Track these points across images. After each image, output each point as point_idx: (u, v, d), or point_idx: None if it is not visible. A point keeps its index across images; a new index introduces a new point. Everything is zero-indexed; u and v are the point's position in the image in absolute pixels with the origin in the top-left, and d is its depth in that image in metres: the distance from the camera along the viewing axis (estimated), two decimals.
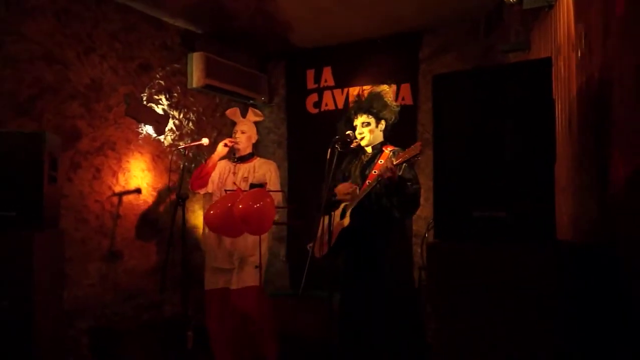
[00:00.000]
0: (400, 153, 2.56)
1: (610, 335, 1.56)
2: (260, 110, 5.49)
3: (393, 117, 2.96)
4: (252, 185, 3.34)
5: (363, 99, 2.96)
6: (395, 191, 2.64)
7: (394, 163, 2.52)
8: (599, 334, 1.58)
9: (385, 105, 2.92)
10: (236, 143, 3.50)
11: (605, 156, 1.65)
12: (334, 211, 2.83)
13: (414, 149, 2.47)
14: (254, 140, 3.64)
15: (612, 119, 1.58)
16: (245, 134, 3.55)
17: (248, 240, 3.32)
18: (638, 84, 1.36)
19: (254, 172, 3.48)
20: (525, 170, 1.60)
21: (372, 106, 2.90)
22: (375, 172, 2.78)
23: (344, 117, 3.08)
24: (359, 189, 2.81)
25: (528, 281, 1.54)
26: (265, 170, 3.49)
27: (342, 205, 2.89)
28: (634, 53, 1.39)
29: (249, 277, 3.32)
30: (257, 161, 3.57)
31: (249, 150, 3.57)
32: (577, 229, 2.02)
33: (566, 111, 2.16)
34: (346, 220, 2.79)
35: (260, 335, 3.36)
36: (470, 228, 1.68)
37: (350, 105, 3.09)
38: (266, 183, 3.41)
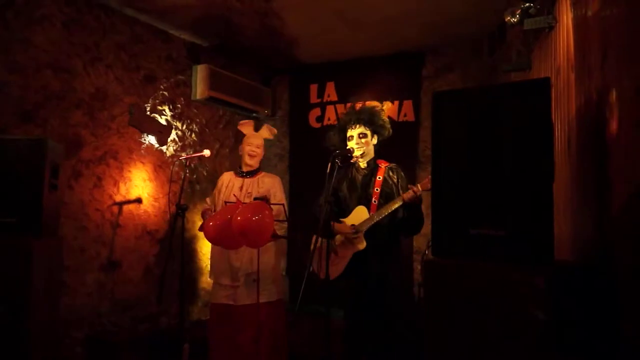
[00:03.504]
0: (425, 180, 2.60)
1: (606, 356, 1.55)
2: (262, 124, 5.55)
3: (386, 135, 2.96)
4: (255, 199, 3.33)
5: (358, 110, 2.96)
6: (414, 215, 2.69)
7: (421, 189, 2.55)
8: (595, 353, 1.56)
9: (384, 121, 2.93)
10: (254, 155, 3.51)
11: (603, 177, 1.66)
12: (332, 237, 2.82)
13: None
14: (262, 155, 3.62)
15: (610, 139, 1.58)
16: (259, 148, 3.53)
17: (254, 255, 3.29)
18: (636, 104, 1.37)
19: (257, 186, 3.47)
20: (524, 190, 1.60)
21: (372, 119, 2.90)
22: (377, 189, 2.80)
23: (336, 127, 3.06)
24: (369, 207, 2.80)
25: (524, 301, 1.53)
26: (270, 185, 3.47)
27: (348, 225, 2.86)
28: (631, 75, 1.40)
29: (255, 294, 3.28)
30: (262, 176, 3.56)
31: (257, 165, 3.57)
32: (576, 248, 2.01)
33: (565, 131, 2.17)
34: (360, 243, 2.76)
35: (268, 352, 3.29)
36: (467, 246, 1.68)
37: (342, 116, 3.07)
38: (269, 197, 3.40)
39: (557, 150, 2.22)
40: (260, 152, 3.54)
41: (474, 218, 1.68)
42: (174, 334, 3.58)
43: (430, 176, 2.50)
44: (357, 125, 2.90)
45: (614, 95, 1.55)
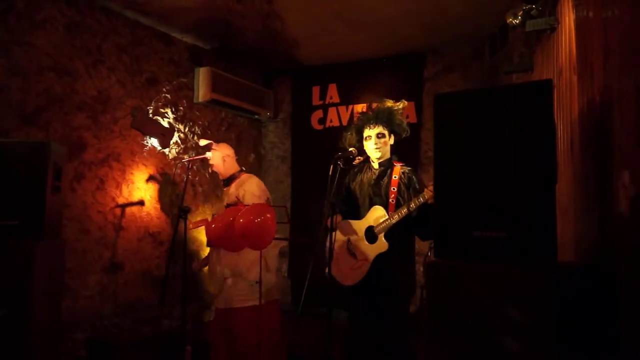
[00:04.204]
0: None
1: (608, 356, 1.54)
2: (266, 126, 5.56)
3: (404, 135, 2.89)
4: (227, 206, 3.27)
5: (376, 110, 2.88)
6: (425, 216, 2.62)
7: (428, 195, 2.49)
8: (598, 354, 1.56)
9: (401, 120, 2.86)
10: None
11: (606, 177, 1.65)
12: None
13: None
14: (228, 161, 3.44)
15: (613, 140, 1.58)
16: (212, 165, 3.43)
17: (238, 257, 3.24)
18: (637, 106, 1.36)
19: (228, 192, 3.37)
20: (526, 191, 1.59)
21: (391, 118, 2.82)
22: (394, 188, 2.75)
23: (353, 126, 2.97)
24: (386, 207, 2.74)
25: (527, 303, 1.52)
26: (239, 188, 3.34)
27: (364, 227, 2.80)
28: (634, 75, 1.39)
29: (238, 297, 3.23)
30: (238, 181, 3.41)
31: (227, 173, 3.43)
32: (579, 250, 2.00)
33: (568, 132, 2.17)
34: (382, 244, 2.70)
35: (261, 354, 3.26)
36: (470, 248, 1.67)
37: (358, 116, 2.98)
38: (240, 199, 3.30)
39: (559, 151, 2.21)
40: (213, 168, 3.42)
41: (477, 220, 1.67)
42: (176, 337, 3.59)
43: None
44: (376, 125, 2.81)
45: (615, 95, 1.55)
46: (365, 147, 2.85)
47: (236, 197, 3.29)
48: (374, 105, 2.96)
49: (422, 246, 4.44)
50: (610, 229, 1.63)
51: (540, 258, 1.56)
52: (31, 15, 3.30)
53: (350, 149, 2.83)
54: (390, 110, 2.86)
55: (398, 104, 2.89)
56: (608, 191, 1.63)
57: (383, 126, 2.81)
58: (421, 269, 4.45)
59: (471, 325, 1.61)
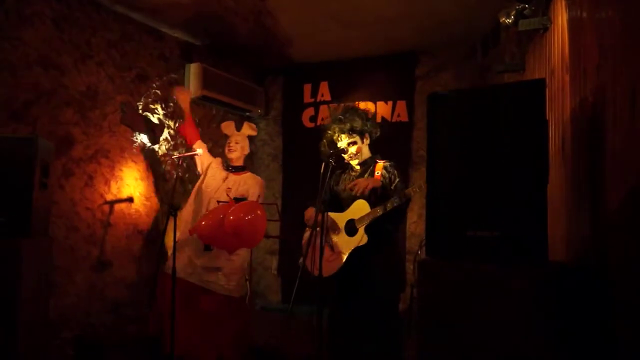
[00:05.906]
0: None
1: (600, 356, 1.55)
2: (256, 123, 5.52)
3: (374, 132, 2.93)
4: (234, 200, 3.32)
5: (338, 113, 2.94)
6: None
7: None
8: (590, 354, 1.56)
9: (364, 120, 2.89)
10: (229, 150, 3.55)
11: (598, 177, 1.66)
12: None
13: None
14: (246, 152, 3.66)
15: (605, 141, 1.58)
16: (239, 144, 3.57)
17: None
18: (631, 106, 1.37)
19: (238, 185, 3.46)
20: (518, 191, 1.60)
21: (352, 127, 2.86)
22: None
23: (325, 139, 3.00)
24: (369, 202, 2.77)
25: (518, 302, 1.53)
26: (250, 185, 3.47)
27: (345, 220, 2.83)
28: (626, 76, 1.40)
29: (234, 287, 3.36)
30: (246, 175, 3.56)
31: (241, 162, 3.59)
32: (571, 249, 2.01)
33: (560, 132, 2.17)
34: (362, 238, 2.72)
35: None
36: (462, 247, 1.68)
37: (324, 121, 3.04)
38: (246, 198, 3.37)
39: (551, 151, 2.22)
40: (239, 147, 3.56)
41: (469, 218, 1.67)
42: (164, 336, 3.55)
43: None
44: (343, 136, 2.88)
45: (609, 96, 1.55)
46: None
47: (245, 193, 3.38)
48: (332, 106, 3.00)
49: (413, 244, 4.45)
50: (601, 228, 1.64)
51: (532, 257, 1.56)
52: (20, 9, 3.24)
53: (343, 147, 2.85)
54: (351, 118, 2.89)
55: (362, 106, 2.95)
56: (599, 190, 1.64)
57: (350, 134, 2.86)
58: (411, 267, 4.46)
59: (462, 324, 1.61)
